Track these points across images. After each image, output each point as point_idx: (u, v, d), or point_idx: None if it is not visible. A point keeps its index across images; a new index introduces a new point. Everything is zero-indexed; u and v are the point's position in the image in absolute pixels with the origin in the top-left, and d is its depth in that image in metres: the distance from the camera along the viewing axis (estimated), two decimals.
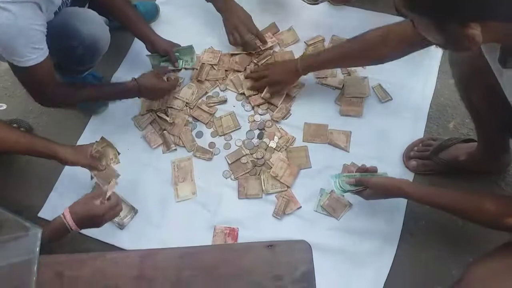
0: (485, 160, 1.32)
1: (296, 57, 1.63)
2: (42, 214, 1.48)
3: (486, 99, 1.11)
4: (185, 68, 1.64)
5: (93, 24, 1.40)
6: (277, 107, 1.55)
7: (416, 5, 0.75)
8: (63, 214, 1.15)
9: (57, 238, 1.16)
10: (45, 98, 1.38)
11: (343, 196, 1.34)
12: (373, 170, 1.27)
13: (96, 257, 0.93)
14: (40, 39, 1.22)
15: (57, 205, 1.31)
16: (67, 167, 1.49)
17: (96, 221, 1.17)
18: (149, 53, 1.62)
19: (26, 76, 1.27)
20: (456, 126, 1.48)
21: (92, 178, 1.40)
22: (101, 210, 1.16)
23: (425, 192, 1.16)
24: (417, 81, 1.55)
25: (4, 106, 1.49)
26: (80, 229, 1.17)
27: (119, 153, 1.42)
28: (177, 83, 1.59)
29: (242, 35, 1.59)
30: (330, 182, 1.29)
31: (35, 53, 1.21)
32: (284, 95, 1.56)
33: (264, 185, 1.44)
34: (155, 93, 1.55)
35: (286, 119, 1.55)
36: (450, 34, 0.74)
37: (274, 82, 1.53)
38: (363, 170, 1.27)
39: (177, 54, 1.60)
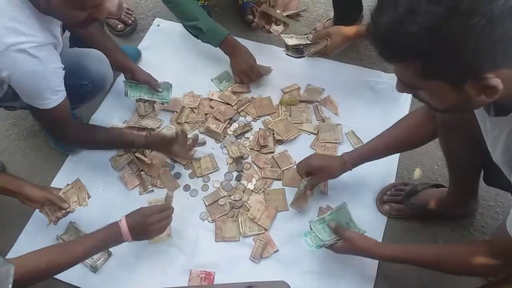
0: (454, 205, 1.38)
1: (274, 104, 1.70)
2: (10, 257, 1.40)
3: (466, 145, 1.14)
4: (161, 103, 1.67)
5: (100, 63, 1.46)
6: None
7: (430, 71, 0.71)
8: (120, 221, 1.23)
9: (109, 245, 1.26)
10: (64, 136, 1.39)
11: (317, 249, 1.27)
12: None
13: None
14: (61, 81, 1.24)
15: (27, 248, 1.25)
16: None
17: (147, 228, 1.25)
18: (125, 80, 1.63)
19: (46, 116, 1.26)
20: (425, 172, 1.55)
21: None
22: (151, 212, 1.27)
23: (392, 250, 1.16)
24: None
25: None
26: (133, 238, 1.23)
27: (89, 197, 1.36)
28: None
29: (249, 76, 1.73)
30: (302, 240, 1.27)
31: (57, 94, 1.23)
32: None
33: (242, 227, 1.44)
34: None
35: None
36: (465, 91, 0.72)
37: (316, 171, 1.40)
38: None
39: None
